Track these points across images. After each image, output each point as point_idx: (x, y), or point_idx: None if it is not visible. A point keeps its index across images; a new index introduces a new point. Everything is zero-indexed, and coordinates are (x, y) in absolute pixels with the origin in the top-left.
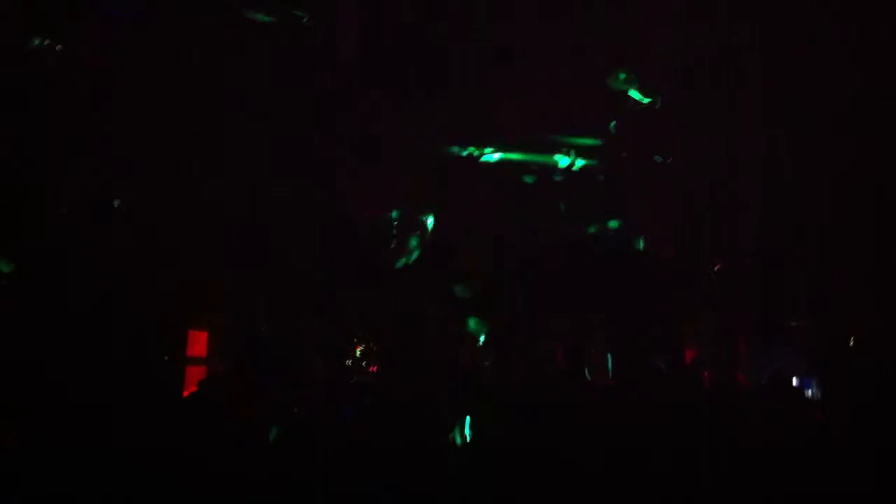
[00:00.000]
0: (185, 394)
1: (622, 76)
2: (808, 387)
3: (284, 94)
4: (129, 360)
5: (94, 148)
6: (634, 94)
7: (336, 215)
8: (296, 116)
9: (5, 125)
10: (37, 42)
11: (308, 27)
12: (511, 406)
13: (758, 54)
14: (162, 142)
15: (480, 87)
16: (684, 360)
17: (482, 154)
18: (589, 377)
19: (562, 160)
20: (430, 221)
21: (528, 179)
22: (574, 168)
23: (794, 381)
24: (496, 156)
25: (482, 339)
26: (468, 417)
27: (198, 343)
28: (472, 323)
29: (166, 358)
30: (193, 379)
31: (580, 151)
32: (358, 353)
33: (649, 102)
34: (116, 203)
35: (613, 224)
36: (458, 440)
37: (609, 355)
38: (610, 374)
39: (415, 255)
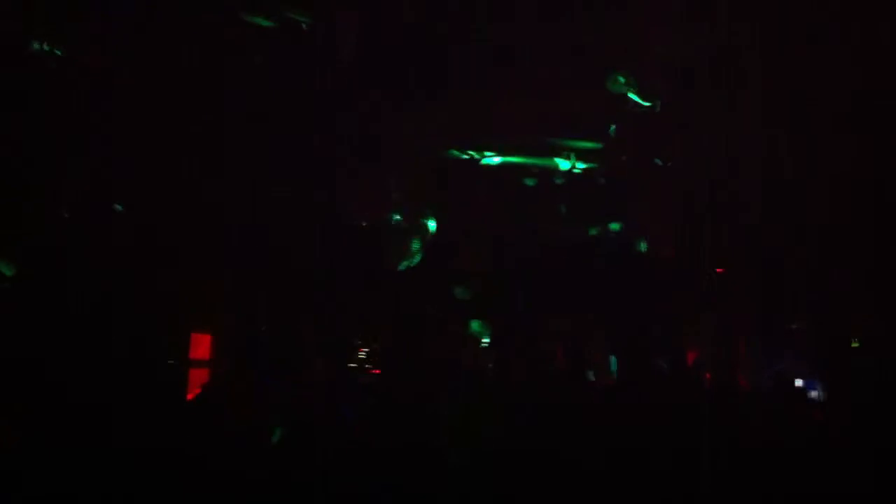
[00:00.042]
0: (189, 397)
1: (622, 79)
2: (812, 388)
3: (284, 94)
4: (129, 360)
5: (94, 148)
6: (634, 96)
7: (336, 215)
8: (296, 116)
9: (5, 125)
10: (37, 42)
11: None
12: (511, 406)
13: (758, 54)
14: (162, 142)
15: (480, 87)
16: (686, 361)
17: (483, 157)
18: (593, 378)
19: (562, 163)
20: (432, 224)
21: (530, 182)
22: (575, 171)
23: (798, 383)
24: (497, 159)
25: (485, 340)
26: (468, 417)
27: (201, 346)
28: (474, 325)
29: (167, 358)
30: (197, 382)
31: (580, 154)
32: (362, 354)
33: (650, 105)
34: (118, 205)
35: (615, 226)
36: (459, 440)
37: (612, 357)
38: (614, 375)
39: (417, 258)
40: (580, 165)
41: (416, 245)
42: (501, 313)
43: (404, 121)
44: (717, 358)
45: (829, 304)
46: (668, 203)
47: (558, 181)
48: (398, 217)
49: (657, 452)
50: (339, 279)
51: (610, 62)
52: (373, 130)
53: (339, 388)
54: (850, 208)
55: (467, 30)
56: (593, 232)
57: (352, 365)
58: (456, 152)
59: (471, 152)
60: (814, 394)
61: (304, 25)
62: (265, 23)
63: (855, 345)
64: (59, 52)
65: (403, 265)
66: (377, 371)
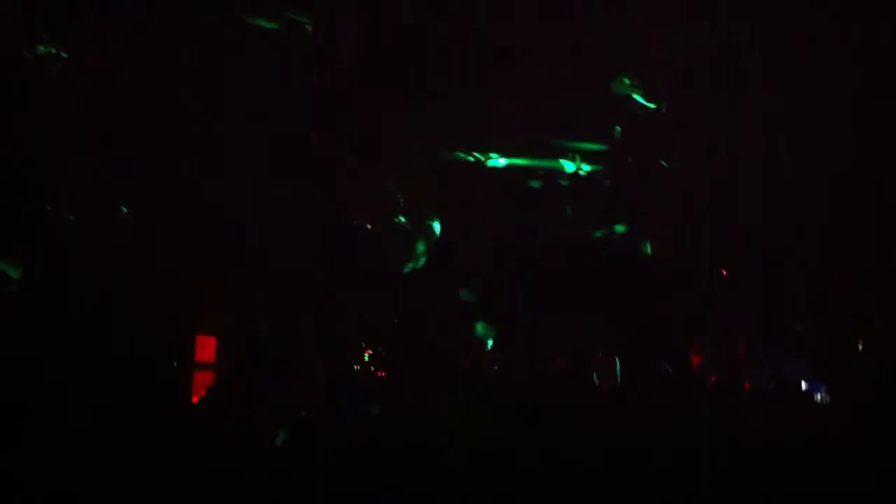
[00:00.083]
0: (195, 399)
1: (626, 81)
2: (817, 391)
3: (284, 94)
4: (130, 360)
5: (94, 148)
6: (638, 98)
7: (336, 215)
8: (296, 116)
9: (5, 125)
10: (37, 42)
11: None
12: (511, 406)
13: (758, 54)
14: (162, 142)
15: (480, 87)
16: (688, 363)
17: (488, 160)
18: (597, 381)
19: (567, 165)
20: (436, 226)
21: (534, 184)
22: (580, 173)
23: (803, 386)
24: (502, 161)
25: (489, 343)
26: (468, 417)
27: (206, 348)
28: (479, 327)
29: (167, 358)
30: (202, 384)
31: (584, 156)
32: (366, 357)
33: (654, 108)
34: (121, 207)
35: (619, 228)
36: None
37: (617, 359)
38: (618, 377)
39: (422, 260)
40: (585, 168)
41: (420, 247)
42: (502, 314)
43: (404, 121)
44: (718, 357)
45: (830, 304)
46: (669, 203)
47: (563, 183)
48: (401, 219)
49: (657, 452)
50: (339, 279)
51: (610, 62)
52: (373, 130)
53: (339, 388)
54: (850, 208)
55: (467, 30)
56: (597, 234)
57: (355, 367)
58: (461, 154)
59: (475, 154)
60: (818, 396)
61: (308, 27)
62: (267, 24)
63: (856, 346)
64: (59, 53)
65: (409, 267)
66: (380, 373)
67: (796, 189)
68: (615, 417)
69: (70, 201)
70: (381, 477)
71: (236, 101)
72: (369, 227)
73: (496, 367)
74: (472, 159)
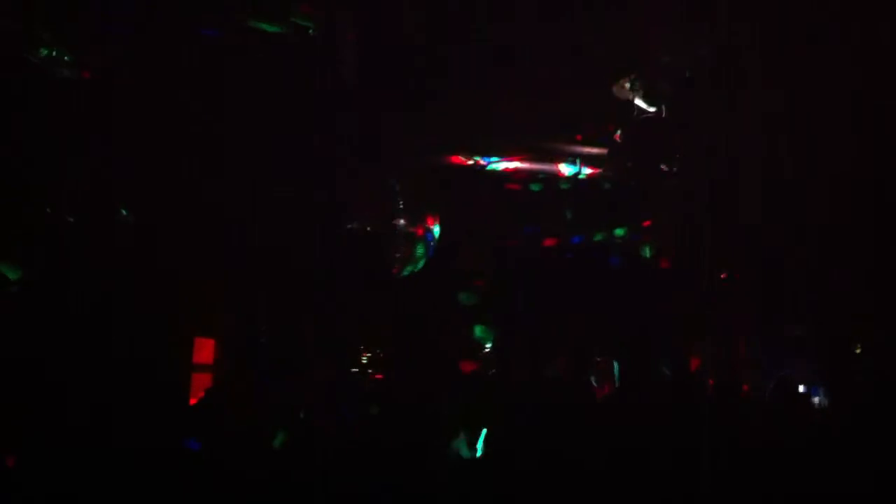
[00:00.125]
0: (193, 401)
1: (628, 85)
2: (817, 391)
3: (285, 94)
4: (129, 360)
5: (94, 148)
6: (640, 101)
7: (336, 215)
8: (296, 116)
9: (5, 125)
10: (37, 42)
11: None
12: (511, 406)
13: (758, 54)
14: (162, 142)
15: (480, 87)
16: (688, 362)
17: (490, 163)
18: (595, 384)
19: (568, 168)
20: (436, 229)
21: (535, 187)
22: (580, 176)
23: (801, 389)
24: (502, 164)
25: (488, 345)
26: (468, 417)
27: (205, 349)
28: (478, 330)
29: (167, 359)
30: (200, 386)
31: (585, 159)
32: (364, 359)
33: (655, 111)
34: (124, 210)
35: (619, 231)
36: (461, 442)
37: (615, 362)
38: (616, 380)
39: (421, 263)
40: (585, 171)
41: (420, 250)
42: (502, 314)
43: (404, 121)
44: (718, 358)
45: (830, 305)
46: (669, 203)
47: (564, 186)
48: (402, 221)
49: (657, 453)
50: (339, 279)
51: (610, 62)
52: (373, 130)
53: (339, 388)
54: (850, 208)
55: (467, 30)
56: (598, 237)
57: (354, 369)
58: (461, 155)
59: (476, 157)
60: (818, 397)
61: (309, 30)
62: (269, 28)
63: (856, 346)
64: (59, 53)
65: (407, 270)
66: (379, 376)
67: (796, 189)
68: (615, 418)
69: (70, 202)
70: (381, 477)
71: (236, 101)
72: (368, 228)
73: (494, 370)
74: (471, 162)
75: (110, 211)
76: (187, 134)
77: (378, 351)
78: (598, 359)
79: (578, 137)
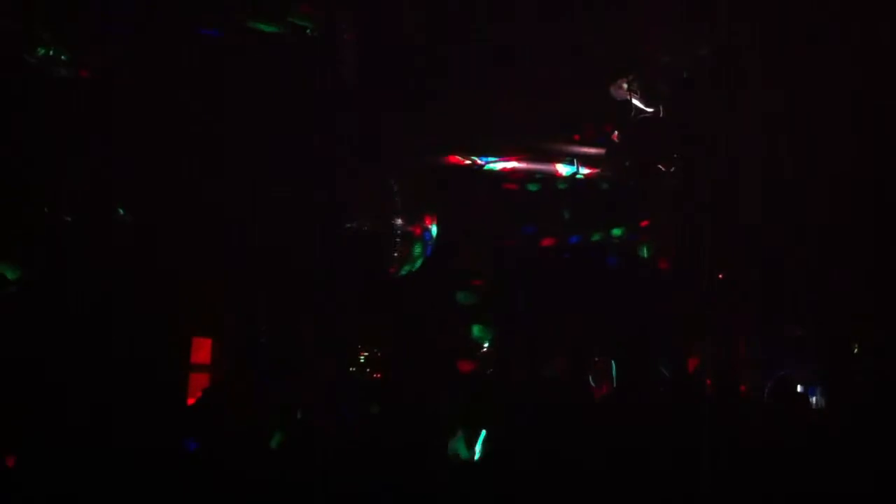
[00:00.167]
0: (191, 401)
1: (625, 85)
2: (813, 394)
3: (285, 94)
4: (129, 360)
5: (94, 148)
6: (638, 102)
7: (336, 215)
8: (296, 116)
9: (5, 125)
10: (37, 42)
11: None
12: (509, 406)
13: (758, 54)
14: (162, 142)
15: (480, 87)
16: (687, 364)
17: (487, 164)
18: (593, 384)
19: (566, 168)
20: (434, 229)
21: (532, 187)
22: (578, 176)
23: (801, 389)
24: (499, 165)
25: (486, 345)
26: (468, 417)
27: (202, 349)
28: (476, 330)
29: (167, 359)
30: (198, 386)
31: (583, 159)
32: (361, 359)
33: (653, 111)
34: (121, 209)
35: (616, 231)
36: (459, 443)
37: (613, 362)
38: (614, 380)
39: (419, 262)
40: (583, 171)
41: (417, 250)
42: (501, 314)
43: (404, 121)
44: (717, 358)
45: (830, 305)
46: (669, 203)
47: (561, 186)
48: (399, 220)
49: (657, 453)
50: (339, 279)
51: (610, 62)
52: (373, 130)
53: (339, 388)
54: (850, 208)
55: (467, 30)
56: (596, 237)
57: (353, 369)
58: (459, 156)
59: (473, 157)
60: (817, 397)
61: (309, 31)
62: (269, 28)
63: (855, 346)
64: (58, 53)
65: (405, 270)
66: (378, 375)
67: (796, 189)
68: (614, 418)
69: (70, 202)
70: (381, 477)
71: (236, 101)
72: (366, 228)
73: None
74: (469, 161)
75: (110, 211)
76: (187, 134)
77: (377, 351)
78: (597, 359)
79: (577, 137)
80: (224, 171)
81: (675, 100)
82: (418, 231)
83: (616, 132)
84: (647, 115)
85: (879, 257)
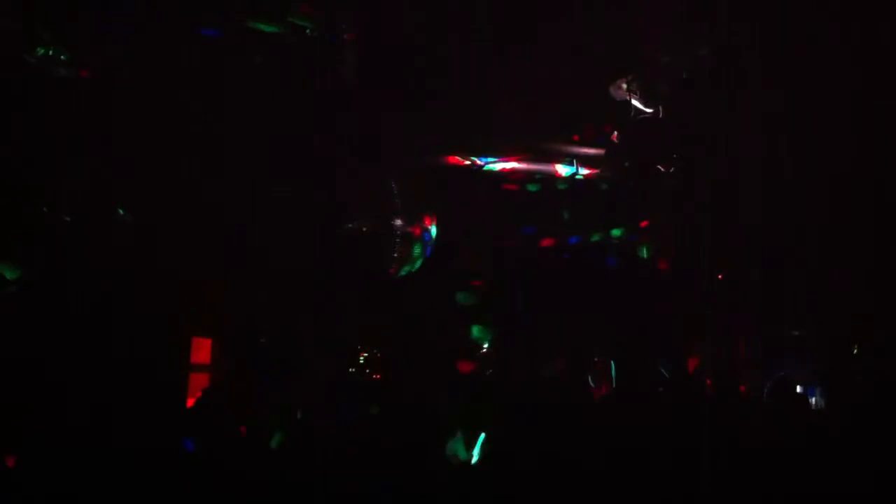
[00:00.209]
0: (191, 402)
1: (625, 85)
2: (812, 395)
3: (285, 94)
4: (129, 360)
5: (94, 148)
6: (637, 102)
7: (336, 215)
8: (296, 116)
9: (5, 125)
10: (37, 42)
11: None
12: (509, 406)
13: (758, 54)
14: (162, 142)
15: (480, 87)
16: (687, 364)
17: (486, 164)
18: (593, 384)
19: (565, 168)
20: (433, 229)
21: (532, 187)
22: (577, 176)
23: (801, 389)
24: (498, 165)
25: (486, 345)
26: (468, 417)
27: (202, 350)
28: (476, 330)
29: (167, 359)
30: (197, 386)
31: (582, 160)
32: (361, 359)
33: (652, 111)
34: (121, 209)
35: (616, 232)
36: (462, 444)
37: (612, 362)
38: (613, 381)
39: (418, 263)
40: (582, 171)
41: (417, 250)
42: (500, 314)
43: (404, 121)
44: (717, 358)
45: (830, 305)
46: (669, 203)
47: (561, 186)
48: (399, 221)
49: (656, 453)
50: (339, 279)
51: (610, 62)
52: (373, 130)
53: (339, 388)
54: (850, 208)
55: (467, 30)
56: (596, 237)
57: (353, 369)
58: (459, 156)
59: (473, 157)
60: (817, 397)
61: (309, 31)
62: (269, 28)
63: (855, 346)
64: (58, 53)
65: (404, 270)
66: (378, 376)
67: (796, 189)
68: (614, 418)
69: (70, 202)
70: (381, 477)
71: (236, 101)
72: (366, 228)
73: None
74: (468, 162)
75: (110, 211)
76: (187, 134)
77: (377, 351)
78: (596, 359)
79: (576, 138)
80: (224, 171)
81: (675, 100)
82: (418, 231)
83: (616, 132)
84: (646, 115)
85: (879, 257)
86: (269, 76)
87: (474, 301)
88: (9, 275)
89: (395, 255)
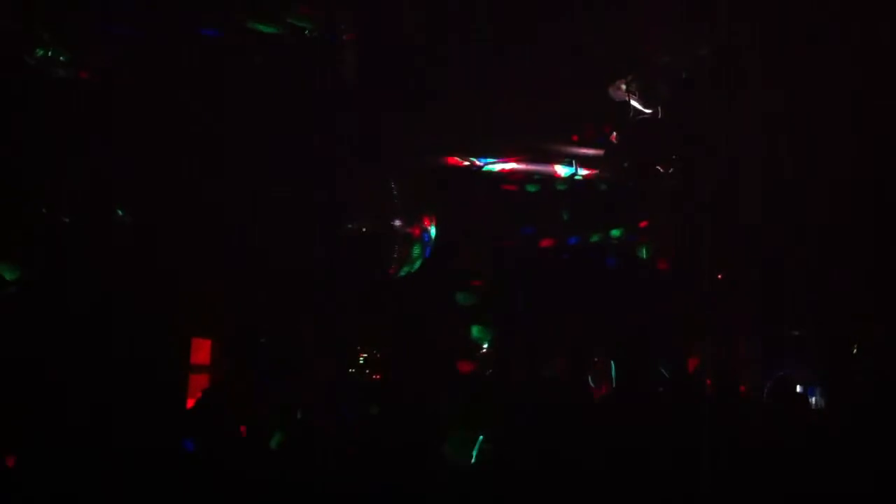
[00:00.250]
0: (191, 402)
1: (624, 86)
2: (812, 394)
3: (285, 94)
4: (129, 360)
5: (94, 148)
6: (636, 102)
7: (336, 215)
8: (296, 116)
9: (5, 125)
10: (37, 43)
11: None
12: (509, 406)
13: (758, 54)
14: (162, 142)
15: (480, 87)
16: (687, 364)
17: (485, 164)
18: (593, 384)
19: (565, 168)
20: (433, 230)
21: (531, 188)
22: (576, 177)
23: (800, 389)
24: (497, 166)
25: (486, 345)
26: (469, 418)
27: (202, 350)
28: (475, 330)
29: (167, 359)
30: (197, 387)
31: (582, 160)
32: (361, 359)
33: (652, 112)
34: (120, 210)
35: (615, 232)
36: (462, 444)
37: (612, 362)
38: (613, 381)
39: (418, 264)
40: (582, 171)
41: (416, 250)
42: (500, 315)
43: (404, 121)
44: (717, 358)
45: (830, 305)
46: (669, 203)
47: (560, 186)
48: (399, 221)
49: (656, 453)
50: (339, 279)
51: (610, 62)
52: (373, 130)
53: (339, 388)
54: (850, 208)
55: (467, 30)
56: (595, 238)
57: (353, 369)
58: (458, 156)
59: (472, 157)
60: (817, 397)
61: (307, 31)
62: (269, 28)
63: (855, 347)
64: (58, 53)
65: (404, 271)
66: (378, 376)
67: (796, 189)
68: (614, 418)
69: (70, 202)
70: (381, 477)
71: (236, 101)
72: (366, 229)
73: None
74: (468, 162)
75: (110, 211)
76: (187, 134)
77: (377, 351)
78: (596, 359)
79: (575, 138)
80: (224, 171)
81: (674, 100)
82: (418, 231)
83: (615, 133)
84: (646, 115)
85: (879, 257)
86: (268, 76)
87: (474, 301)
88: (9, 275)
89: (395, 255)
